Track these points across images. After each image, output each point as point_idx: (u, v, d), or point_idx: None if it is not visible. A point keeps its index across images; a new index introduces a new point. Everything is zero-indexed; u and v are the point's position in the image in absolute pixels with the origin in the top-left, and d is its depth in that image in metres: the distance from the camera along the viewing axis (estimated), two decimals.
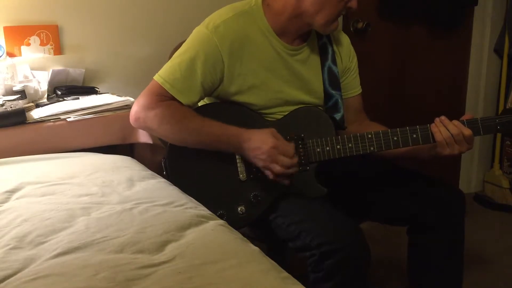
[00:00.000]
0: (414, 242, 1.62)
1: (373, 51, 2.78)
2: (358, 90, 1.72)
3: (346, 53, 1.66)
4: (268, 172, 1.44)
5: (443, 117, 1.47)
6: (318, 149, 1.50)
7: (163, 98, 1.47)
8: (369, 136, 1.49)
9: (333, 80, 1.61)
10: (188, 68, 1.47)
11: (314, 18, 1.48)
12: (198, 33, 1.51)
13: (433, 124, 1.47)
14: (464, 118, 1.49)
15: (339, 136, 1.50)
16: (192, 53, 1.47)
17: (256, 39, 1.51)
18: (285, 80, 1.55)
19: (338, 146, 1.49)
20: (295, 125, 1.53)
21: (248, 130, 1.44)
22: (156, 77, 1.49)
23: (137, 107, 1.49)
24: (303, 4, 1.47)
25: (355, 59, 1.70)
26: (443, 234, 1.54)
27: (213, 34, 1.47)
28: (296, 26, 1.52)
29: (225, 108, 1.56)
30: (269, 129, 1.44)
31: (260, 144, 1.41)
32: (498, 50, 3.09)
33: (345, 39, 1.68)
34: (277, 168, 1.41)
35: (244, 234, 1.18)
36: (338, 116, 1.59)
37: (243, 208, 1.50)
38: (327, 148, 1.50)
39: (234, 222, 1.26)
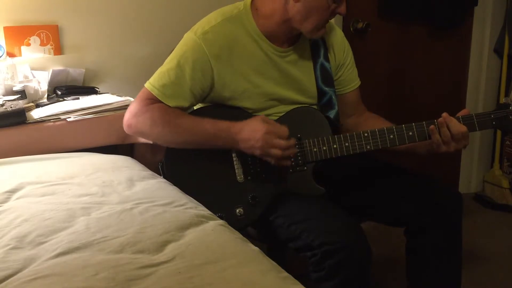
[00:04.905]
0: (412, 243, 1.61)
1: (373, 51, 2.78)
2: (355, 84, 1.71)
3: (339, 48, 1.66)
4: (268, 159, 1.43)
5: (445, 115, 1.47)
6: (315, 149, 1.50)
7: (153, 102, 1.49)
8: (365, 134, 1.49)
9: (326, 77, 1.61)
10: (176, 74, 1.48)
11: (301, 24, 1.48)
12: (187, 39, 1.52)
13: (432, 126, 1.46)
14: (459, 114, 1.49)
15: (336, 136, 1.51)
16: (181, 60, 1.49)
17: (245, 44, 1.52)
18: (277, 82, 1.56)
19: (335, 146, 1.49)
20: (291, 125, 1.52)
21: (238, 122, 1.44)
22: (146, 84, 1.52)
23: (129, 113, 1.52)
24: (290, 11, 1.47)
25: (350, 53, 1.69)
26: (440, 235, 1.53)
27: (202, 40, 1.48)
28: (284, 30, 1.52)
29: (222, 110, 1.56)
30: (258, 116, 1.44)
31: (252, 133, 1.41)
32: (498, 50, 3.08)
33: (338, 34, 1.67)
34: (275, 151, 1.40)
35: (244, 234, 1.18)
36: (332, 113, 1.59)
37: (241, 210, 1.50)
38: (324, 148, 1.50)
39: (233, 224, 1.26)
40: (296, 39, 1.58)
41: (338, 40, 1.66)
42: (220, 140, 1.45)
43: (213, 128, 1.45)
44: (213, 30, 1.49)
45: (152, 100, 1.49)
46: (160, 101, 1.49)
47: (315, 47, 1.61)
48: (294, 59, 1.58)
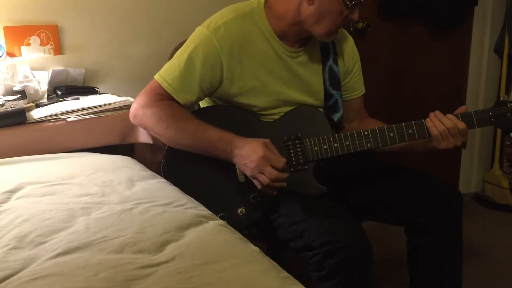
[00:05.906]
0: (412, 243, 1.62)
1: (373, 51, 2.78)
2: (361, 91, 1.72)
3: (349, 55, 1.66)
4: (255, 181, 1.43)
5: (437, 112, 1.49)
6: (316, 148, 1.50)
7: (162, 97, 1.49)
8: (366, 133, 1.49)
9: (333, 80, 1.61)
10: (186, 68, 1.48)
11: (313, 27, 1.48)
12: (198, 33, 1.52)
13: (428, 119, 1.48)
14: (458, 111, 1.50)
15: (336, 134, 1.51)
16: (192, 54, 1.49)
17: (257, 41, 1.52)
18: (285, 82, 1.56)
19: (336, 144, 1.50)
20: (291, 125, 1.53)
21: (242, 137, 1.43)
22: (156, 76, 1.52)
23: (136, 104, 1.52)
24: (303, 14, 1.47)
25: (359, 61, 1.70)
26: (441, 234, 1.54)
27: (213, 35, 1.48)
28: (296, 31, 1.52)
29: (221, 110, 1.57)
30: (263, 139, 1.43)
31: (249, 152, 1.40)
32: (498, 50, 3.08)
33: (349, 42, 1.68)
34: (263, 178, 1.39)
35: (244, 234, 1.18)
36: (336, 116, 1.59)
37: (243, 209, 1.50)
38: (325, 147, 1.50)
39: (235, 224, 1.26)
40: (307, 40, 1.58)
41: (349, 47, 1.67)
42: (219, 150, 1.44)
43: (216, 136, 1.44)
44: (225, 26, 1.49)
45: (161, 96, 1.49)
46: (169, 96, 1.49)
47: (325, 50, 1.61)
48: (304, 60, 1.58)
